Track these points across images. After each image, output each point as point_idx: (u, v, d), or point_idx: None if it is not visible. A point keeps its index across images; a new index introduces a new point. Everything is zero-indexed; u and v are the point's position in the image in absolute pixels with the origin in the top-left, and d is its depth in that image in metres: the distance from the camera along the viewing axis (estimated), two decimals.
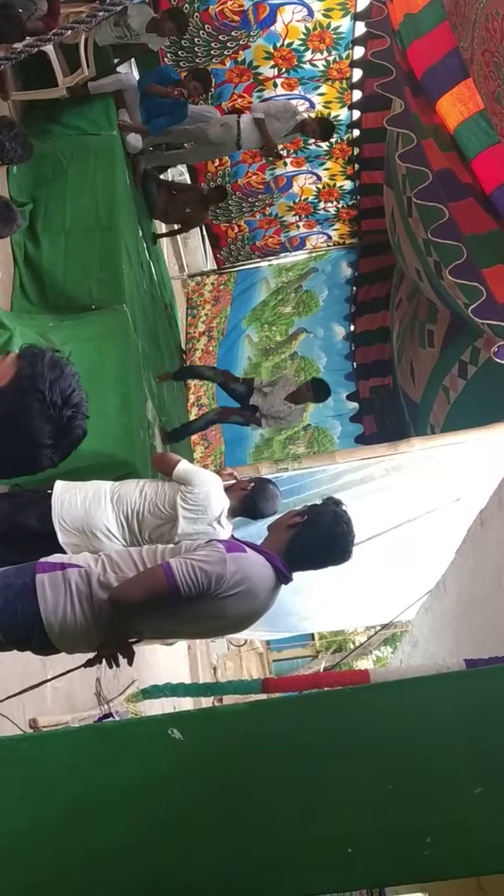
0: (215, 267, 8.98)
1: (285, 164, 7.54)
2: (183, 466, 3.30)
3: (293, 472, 4.54)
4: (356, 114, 6.98)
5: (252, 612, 2.44)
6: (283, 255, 8.71)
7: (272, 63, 6.65)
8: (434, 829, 1.40)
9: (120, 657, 2.47)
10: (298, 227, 8.41)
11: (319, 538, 2.52)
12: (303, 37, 6.40)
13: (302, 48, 6.49)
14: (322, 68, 6.64)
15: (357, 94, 6.80)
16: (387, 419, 8.22)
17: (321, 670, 12.10)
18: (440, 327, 6.37)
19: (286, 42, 6.46)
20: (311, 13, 6.22)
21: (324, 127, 6.69)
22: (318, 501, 2.66)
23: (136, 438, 4.27)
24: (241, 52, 6.56)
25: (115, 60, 6.12)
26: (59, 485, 3.18)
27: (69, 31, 2.71)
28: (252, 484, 3.42)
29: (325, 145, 7.25)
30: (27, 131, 4.57)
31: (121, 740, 1.58)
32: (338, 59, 6.55)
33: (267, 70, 6.71)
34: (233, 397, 6.61)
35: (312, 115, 6.88)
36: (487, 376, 5.59)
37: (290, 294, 8.57)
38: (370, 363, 8.44)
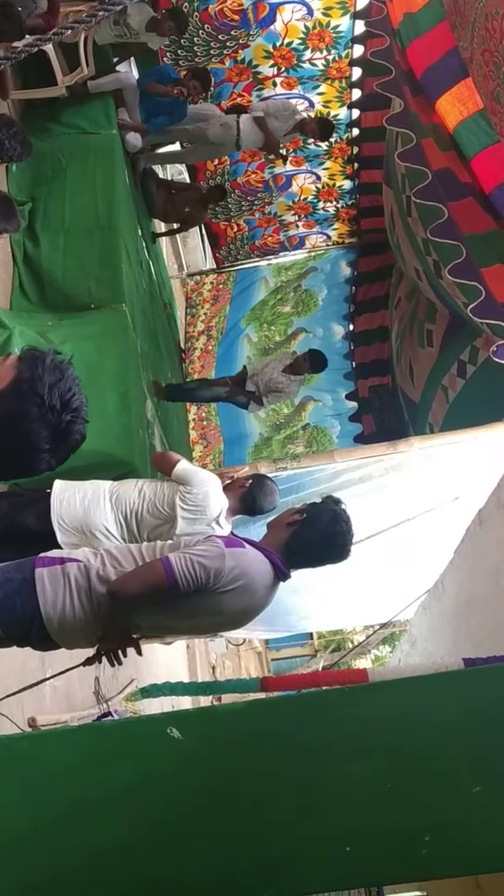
0: (214, 266, 8.98)
1: (285, 163, 7.54)
2: (182, 466, 3.30)
3: (292, 471, 4.54)
4: (355, 113, 6.98)
5: (250, 608, 2.45)
6: (282, 254, 8.71)
7: (272, 62, 6.65)
8: (432, 827, 1.41)
9: (123, 652, 2.48)
10: (298, 226, 8.41)
11: (318, 536, 2.52)
12: (302, 36, 6.40)
13: (301, 47, 6.49)
14: (321, 67, 6.64)
15: (356, 93, 6.81)
16: (386, 418, 8.22)
17: (319, 669, 12.11)
18: (439, 327, 6.37)
19: (285, 41, 6.46)
20: (310, 12, 6.22)
21: (323, 126, 6.69)
22: (318, 500, 2.67)
23: (136, 437, 4.27)
24: (240, 51, 6.56)
25: (115, 59, 6.12)
26: (59, 484, 3.18)
27: (69, 31, 2.71)
28: (250, 481, 3.42)
29: (324, 145, 7.24)
30: (26, 130, 4.57)
31: (120, 739, 1.58)
32: (337, 58, 6.55)
33: (266, 69, 6.71)
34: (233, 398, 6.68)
35: (312, 114, 6.88)
36: (486, 376, 5.59)
37: (290, 293, 8.57)
38: (369, 362, 8.44)
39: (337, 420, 8.49)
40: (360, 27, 6.19)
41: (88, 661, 2.56)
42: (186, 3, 6.11)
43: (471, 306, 4.28)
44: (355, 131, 7.16)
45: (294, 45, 6.48)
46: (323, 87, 6.82)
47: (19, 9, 4.44)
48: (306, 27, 6.32)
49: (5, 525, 3.05)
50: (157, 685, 2.39)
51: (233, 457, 8.18)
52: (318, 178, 7.79)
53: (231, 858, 1.42)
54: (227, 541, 2.43)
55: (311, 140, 7.08)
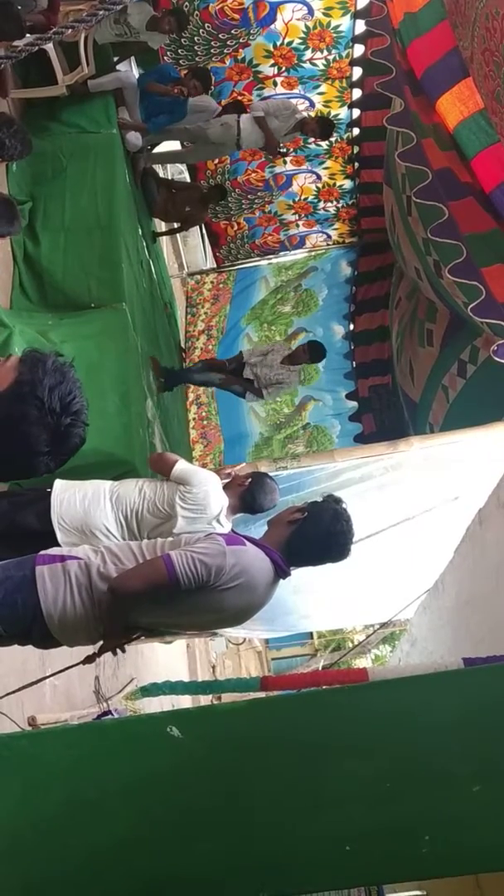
0: (215, 265, 8.98)
1: (285, 162, 7.55)
2: (181, 466, 3.30)
3: (292, 470, 4.53)
4: (356, 112, 6.98)
5: (250, 605, 2.45)
6: (282, 253, 8.71)
7: (272, 61, 6.65)
8: (432, 827, 1.41)
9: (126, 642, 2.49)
10: (298, 225, 8.41)
11: (319, 535, 2.53)
12: (303, 35, 6.39)
13: (302, 47, 6.49)
14: (322, 67, 6.64)
15: (357, 93, 6.80)
16: (386, 418, 8.21)
17: (319, 669, 12.11)
18: (439, 326, 6.37)
19: (286, 40, 6.45)
20: (310, 11, 6.22)
21: (323, 126, 6.68)
22: (319, 499, 2.67)
23: (136, 437, 4.27)
24: (240, 50, 6.55)
25: (115, 59, 6.12)
26: (59, 484, 3.18)
27: (69, 30, 2.71)
28: (249, 479, 3.42)
29: (324, 144, 7.24)
30: (26, 129, 4.57)
31: (119, 738, 1.58)
32: (338, 58, 6.54)
33: (267, 68, 6.71)
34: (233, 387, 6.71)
35: (312, 113, 6.88)
36: (487, 375, 5.59)
37: (290, 293, 8.56)
38: (369, 362, 8.43)
39: (337, 420, 8.48)
40: (360, 27, 6.19)
41: (88, 660, 2.56)
42: (187, 2, 6.11)
43: (471, 306, 4.28)
44: (356, 131, 7.16)
45: (294, 45, 6.48)
46: (323, 87, 6.81)
47: (19, 7, 4.44)
48: (307, 27, 6.32)
49: (6, 524, 3.05)
50: (157, 684, 2.40)
51: (233, 456, 8.18)
52: (319, 177, 7.79)
53: (231, 857, 1.42)
54: (227, 538, 2.44)
55: (312, 139, 7.08)
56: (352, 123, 7.10)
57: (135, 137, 6.20)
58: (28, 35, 4.09)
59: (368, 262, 8.36)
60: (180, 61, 6.55)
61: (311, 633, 18.46)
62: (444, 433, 5.07)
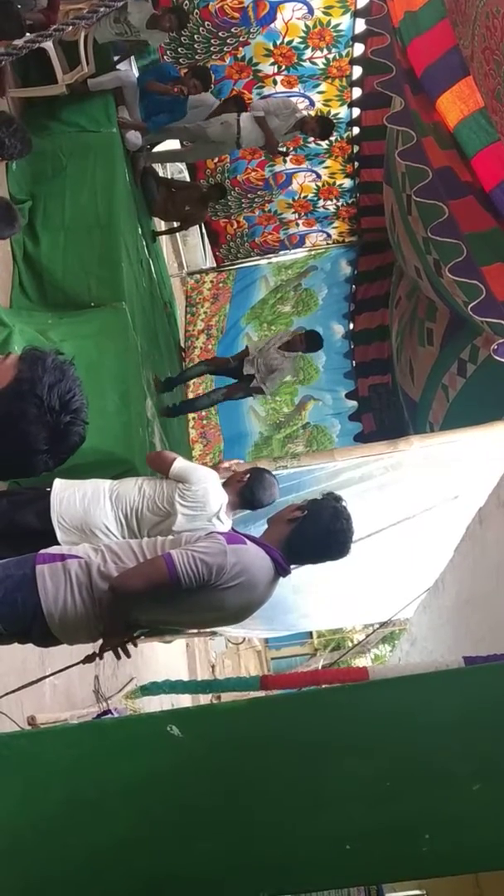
0: (214, 265, 8.98)
1: (285, 161, 7.54)
2: (179, 464, 3.30)
3: (292, 469, 4.53)
4: (356, 111, 6.98)
5: (250, 603, 2.45)
6: (282, 252, 8.71)
7: (272, 60, 6.65)
8: (432, 826, 1.41)
9: (132, 643, 2.48)
10: (298, 224, 8.41)
11: (319, 533, 2.53)
12: (303, 34, 6.39)
13: (302, 46, 6.48)
14: (322, 66, 6.63)
15: (357, 92, 6.80)
16: (386, 417, 8.22)
17: (319, 668, 12.10)
18: (439, 325, 6.37)
19: (286, 39, 6.45)
20: (310, 10, 6.22)
21: (323, 125, 6.68)
22: (319, 497, 2.67)
23: (135, 436, 4.27)
24: (240, 48, 6.55)
25: (115, 58, 6.11)
26: (59, 483, 3.18)
27: (69, 27, 2.71)
28: (248, 475, 3.42)
29: (324, 143, 7.24)
30: (26, 128, 4.56)
31: (119, 737, 1.58)
32: (338, 57, 6.54)
33: (267, 67, 6.71)
34: (231, 376, 6.69)
35: (312, 112, 6.88)
36: (487, 374, 5.58)
37: (290, 292, 8.56)
38: (369, 361, 8.43)
39: (337, 419, 8.49)
40: (360, 25, 6.19)
41: (88, 659, 2.56)
42: (187, 1, 6.11)
43: (471, 305, 4.27)
44: (356, 130, 7.16)
45: (294, 44, 6.48)
46: (323, 86, 6.81)
47: (19, 6, 4.44)
48: (307, 25, 6.32)
49: (5, 523, 3.05)
50: (157, 683, 2.40)
51: (232, 456, 8.16)
52: (319, 176, 7.79)
53: (231, 856, 1.42)
54: (228, 537, 2.44)
55: (312, 138, 7.07)
56: (352, 122, 7.10)
57: (135, 136, 6.20)
58: (28, 34, 4.09)
59: (368, 261, 8.36)
60: (180, 60, 6.55)
61: (311, 633, 18.45)
62: (444, 432, 5.07)
